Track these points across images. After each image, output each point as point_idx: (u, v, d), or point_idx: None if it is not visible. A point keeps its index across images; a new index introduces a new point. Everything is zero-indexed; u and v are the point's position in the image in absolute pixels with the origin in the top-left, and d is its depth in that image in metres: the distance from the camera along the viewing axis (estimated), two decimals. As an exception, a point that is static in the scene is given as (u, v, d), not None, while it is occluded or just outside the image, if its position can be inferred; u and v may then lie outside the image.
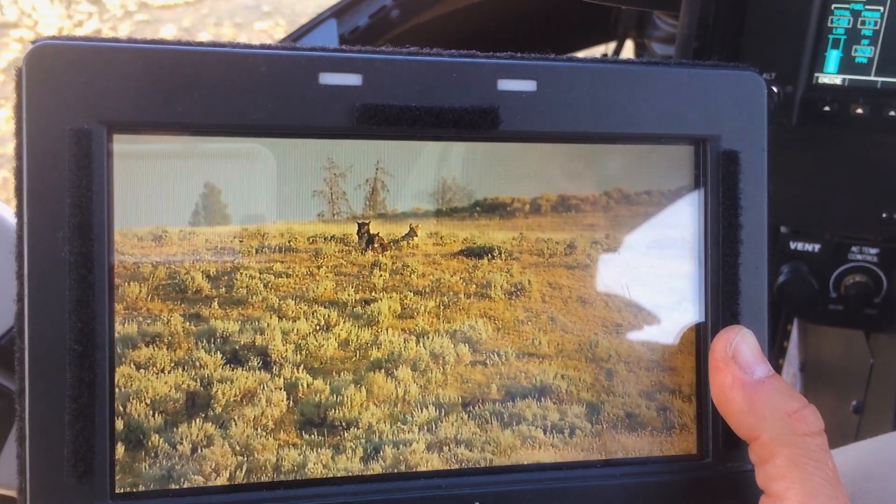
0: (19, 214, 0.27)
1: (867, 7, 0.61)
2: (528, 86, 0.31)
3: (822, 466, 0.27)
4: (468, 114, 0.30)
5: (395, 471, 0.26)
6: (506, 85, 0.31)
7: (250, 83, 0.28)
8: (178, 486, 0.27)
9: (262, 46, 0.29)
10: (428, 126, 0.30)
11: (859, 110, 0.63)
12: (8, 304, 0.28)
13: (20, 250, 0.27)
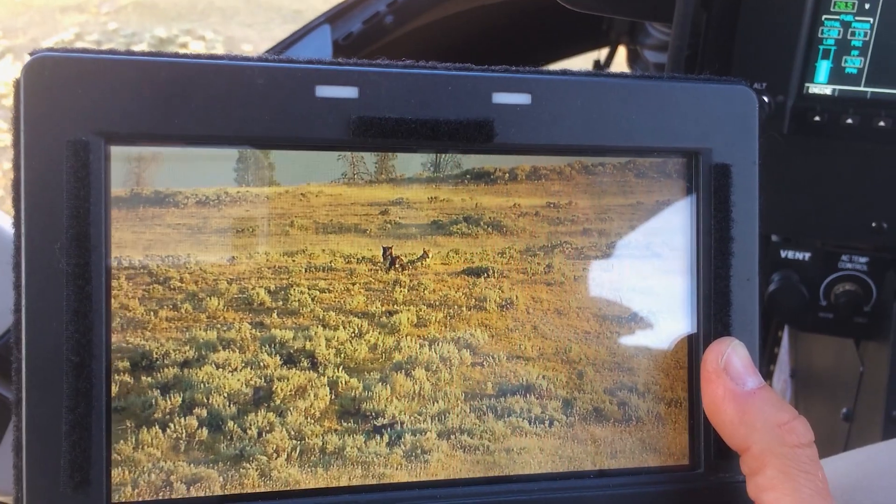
0: (17, 225, 0.27)
1: (857, 18, 0.62)
2: (522, 99, 0.31)
3: (812, 478, 0.28)
4: (463, 127, 0.30)
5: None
6: (500, 98, 0.31)
7: (247, 95, 0.28)
8: (173, 497, 0.28)
9: (259, 59, 0.29)
10: (423, 138, 0.30)
11: (849, 120, 0.64)
12: (2, 310, 0.28)
13: (18, 261, 0.27)
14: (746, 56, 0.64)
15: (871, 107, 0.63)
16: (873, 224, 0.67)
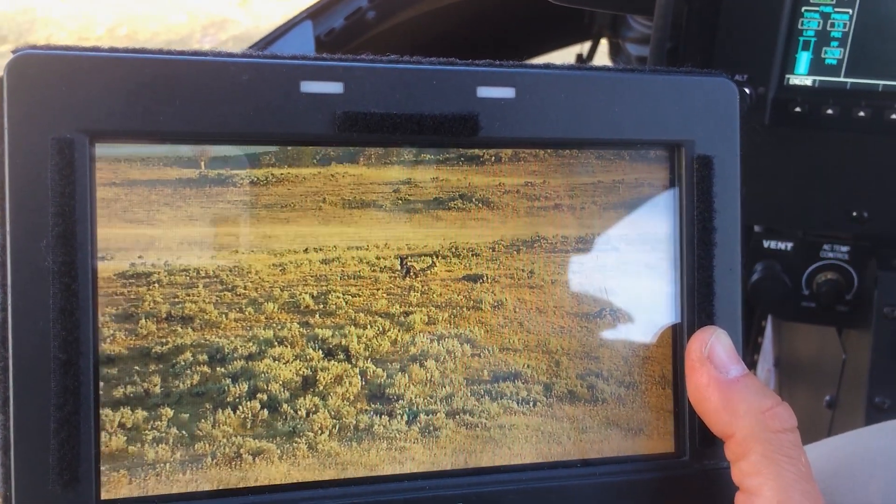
0: (2, 223, 0.26)
1: (836, 9, 0.62)
2: (506, 93, 0.32)
3: (795, 462, 0.28)
4: (448, 121, 0.31)
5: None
6: (485, 92, 0.31)
7: (232, 92, 0.28)
8: (161, 493, 0.28)
9: (244, 55, 0.29)
10: (408, 133, 0.30)
11: (829, 111, 0.64)
12: None
13: (3, 259, 0.27)
14: (727, 48, 0.64)
15: (851, 97, 0.64)
16: (854, 213, 0.68)
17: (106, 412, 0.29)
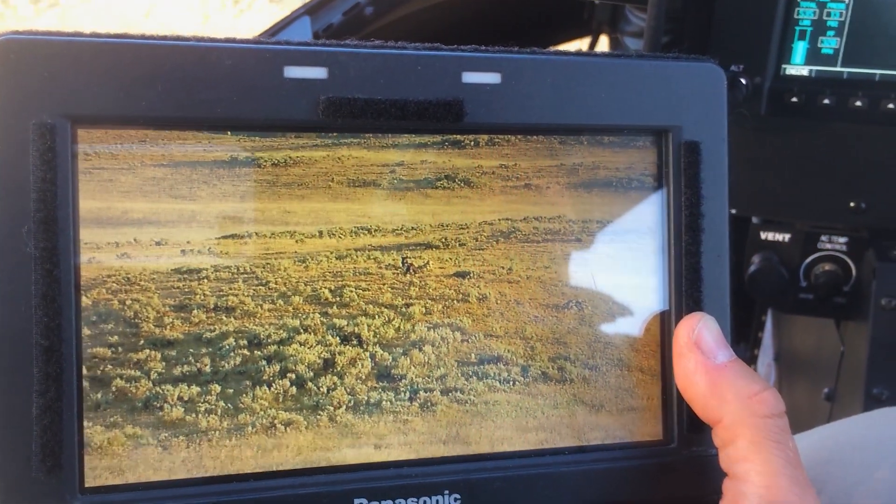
0: None
1: (832, -1, 0.62)
2: (492, 78, 0.32)
3: (782, 448, 0.28)
4: (433, 106, 0.31)
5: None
6: (470, 77, 0.31)
7: (215, 77, 0.28)
8: (145, 480, 0.28)
9: (227, 40, 0.28)
10: (393, 118, 0.30)
11: (826, 101, 0.64)
12: None
13: None
14: (723, 38, 0.64)
15: (848, 87, 0.64)
16: (851, 204, 0.68)
17: (167, 388, 0.32)
